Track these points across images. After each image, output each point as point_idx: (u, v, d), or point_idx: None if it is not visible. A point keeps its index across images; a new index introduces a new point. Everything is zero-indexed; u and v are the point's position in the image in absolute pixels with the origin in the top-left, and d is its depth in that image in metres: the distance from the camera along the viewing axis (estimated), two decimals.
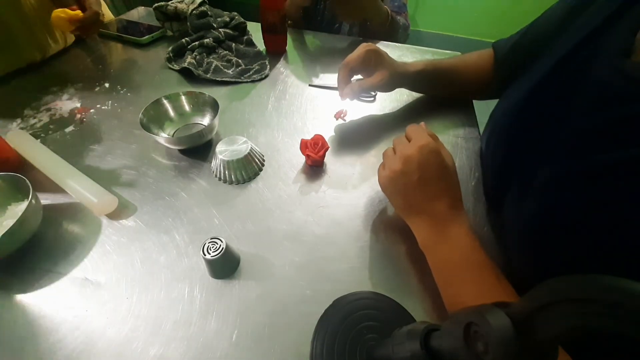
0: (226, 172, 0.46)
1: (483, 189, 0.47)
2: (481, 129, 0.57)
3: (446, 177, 0.37)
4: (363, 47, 0.52)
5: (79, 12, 0.63)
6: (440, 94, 0.62)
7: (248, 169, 0.47)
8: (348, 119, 0.59)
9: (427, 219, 0.36)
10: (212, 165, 0.48)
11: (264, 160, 0.50)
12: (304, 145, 0.47)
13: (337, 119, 0.58)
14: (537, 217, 0.33)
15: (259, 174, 0.48)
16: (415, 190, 0.36)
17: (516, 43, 0.50)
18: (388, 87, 0.55)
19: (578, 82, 0.33)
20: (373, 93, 0.64)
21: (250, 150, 0.46)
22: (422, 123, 0.41)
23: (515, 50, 0.50)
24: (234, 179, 0.46)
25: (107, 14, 0.86)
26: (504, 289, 0.31)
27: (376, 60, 0.52)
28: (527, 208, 0.34)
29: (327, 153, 0.48)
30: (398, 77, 0.54)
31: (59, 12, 0.62)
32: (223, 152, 0.46)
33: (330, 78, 0.69)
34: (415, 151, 0.36)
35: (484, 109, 0.64)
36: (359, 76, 0.56)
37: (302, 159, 0.50)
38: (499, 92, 0.55)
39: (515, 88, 0.43)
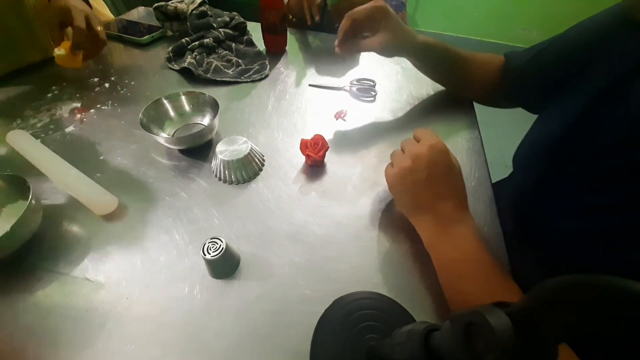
0: (226, 172, 0.46)
1: (494, 195, 0.47)
2: (481, 129, 0.57)
3: (453, 178, 0.37)
4: (372, 3, 0.49)
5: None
6: (439, 79, 0.60)
7: (248, 169, 0.47)
8: (348, 119, 0.59)
9: (432, 218, 0.36)
10: (212, 165, 0.48)
11: (264, 160, 0.50)
12: (304, 145, 0.47)
13: (337, 119, 0.58)
14: (582, 236, 0.35)
15: (259, 174, 0.48)
16: (423, 189, 0.37)
17: (535, 57, 0.48)
18: (388, 52, 0.52)
19: (622, 116, 0.34)
20: (373, 93, 0.64)
21: (250, 150, 0.46)
22: (430, 129, 0.42)
23: (534, 65, 0.49)
24: (234, 179, 0.46)
25: (107, 15, 0.86)
26: (510, 287, 0.32)
27: (382, 20, 0.49)
28: (571, 228, 0.37)
29: (327, 153, 0.48)
30: (401, 44, 0.51)
31: (58, 52, 0.58)
32: (223, 152, 0.46)
33: (331, 78, 0.69)
34: (425, 150, 0.37)
35: (484, 109, 0.64)
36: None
37: (302, 159, 0.50)
38: (506, 101, 0.56)
39: (554, 114, 0.44)
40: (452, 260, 0.34)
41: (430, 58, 0.56)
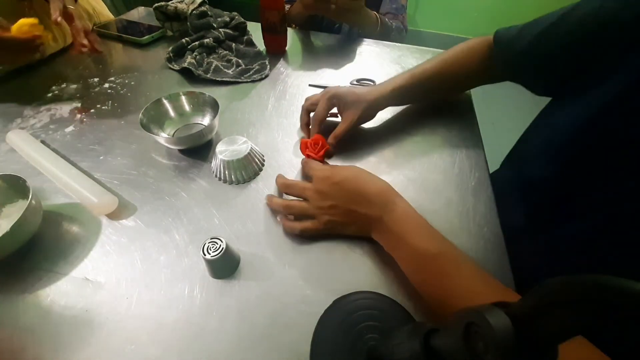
0: (226, 172, 0.46)
1: (494, 192, 0.47)
2: (481, 129, 0.57)
3: (360, 189, 0.38)
4: (324, 97, 0.51)
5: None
6: (431, 99, 0.60)
7: (248, 169, 0.47)
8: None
9: (375, 229, 0.38)
10: (212, 165, 0.48)
11: (264, 160, 0.50)
12: (304, 146, 0.47)
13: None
14: (609, 232, 0.34)
15: (259, 174, 0.48)
16: (352, 220, 0.39)
17: (543, 35, 0.43)
18: (365, 120, 0.53)
19: None
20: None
21: (250, 150, 0.46)
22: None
23: (539, 45, 0.44)
24: (234, 179, 0.46)
25: (107, 15, 0.87)
26: (477, 268, 0.33)
27: (340, 104, 0.51)
28: (602, 221, 0.35)
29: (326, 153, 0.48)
30: (372, 107, 0.52)
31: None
32: (223, 152, 0.46)
33: (331, 78, 0.69)
34: (326, 196, 0.39)
35: (484, 109, 0.64)
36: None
37: (302, 158, 0.50)
38: (502, 78, 0.52)
39: (574, 103, 0.40)
40: (401, 258, 0.36)
41: (410, 95, 0.56)
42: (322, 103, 0.51)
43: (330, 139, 0.50)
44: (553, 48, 0.42)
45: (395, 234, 0.36)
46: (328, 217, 0.39)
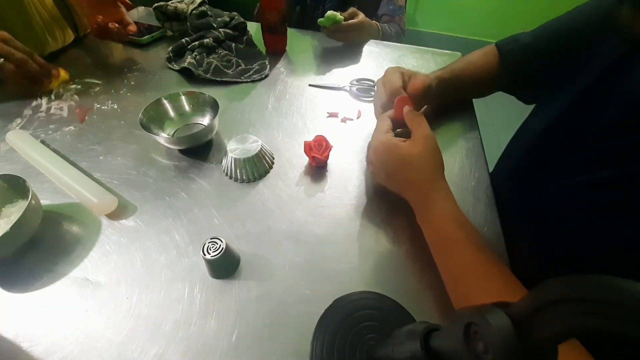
0: (237, 170, 0.46)
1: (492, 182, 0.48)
2: (481, 129, 0.58)
3: (408, 170, 0.39)
4: (392, 72, 0.49)
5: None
6: (450, 100, 0.59)
7: (259, 167, 0.47)
8: (341, 116, 0.59)
9: (409, 200, 0.40)
10: (222, 163, 0.49)
11: (273, 159, 0.50)
12: (308, 147, 0.47)
13: (341, 121, 0.58)
14: (581, 213, 0.37)
15: (269, 172, 0.49)
16: (388, 183, 0.42)
17: (530, 45, 0.51)
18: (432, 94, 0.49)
19: (625, 95, 0.35)
20: (373, 93, 0.64)
21: (260, 149, 0.47)
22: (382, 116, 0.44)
23: (531, 52, 0.51)
24: (244, 177, 0.47)
25: None
26: (487, 258, 0.33)
27: (405, 76, 0.50)
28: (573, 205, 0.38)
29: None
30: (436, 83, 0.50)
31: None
32: (234, 150, 0.46)
33: (331, 78, 0.69)
34: (372, 154, 0.42)
35: (483, 108, 0.64)
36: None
37: (302, 159, 0.50)
38: (505, 89, 0.58)
39: (553, 100, 0.46)
40: (431, 241, 0.38)
41: (444, 92, 0.54)
42: (393, 75, 0.48)
43: (411, 89, 0.46)
44: (538, 58, 0.49)
45: (424, 219, 0.38)
46: (374, 169, 0.43)
